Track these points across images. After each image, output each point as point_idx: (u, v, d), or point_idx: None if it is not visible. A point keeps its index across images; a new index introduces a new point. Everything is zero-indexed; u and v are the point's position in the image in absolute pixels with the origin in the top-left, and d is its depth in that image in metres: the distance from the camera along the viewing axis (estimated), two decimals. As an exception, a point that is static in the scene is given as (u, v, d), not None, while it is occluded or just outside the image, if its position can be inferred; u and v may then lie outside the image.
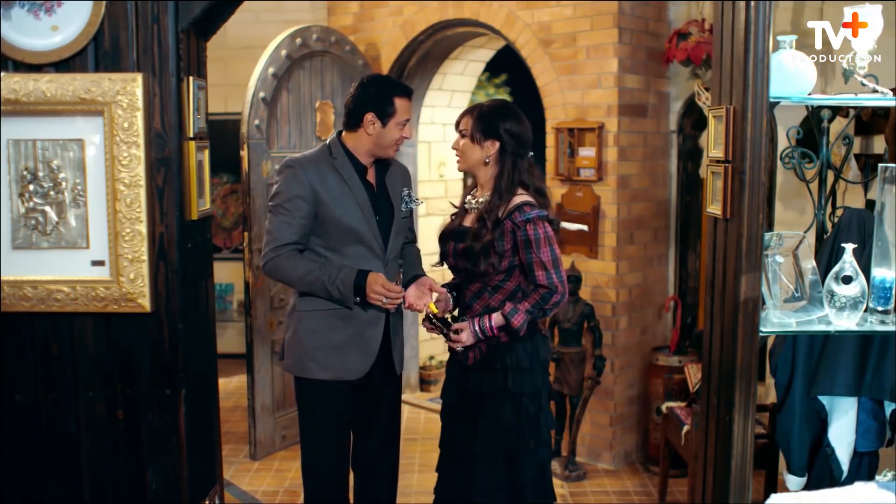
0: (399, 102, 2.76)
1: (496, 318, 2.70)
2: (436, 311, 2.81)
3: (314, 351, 2.77)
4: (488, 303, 2.76)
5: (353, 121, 2.78)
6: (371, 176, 2.86)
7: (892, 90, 2.40)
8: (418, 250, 3.10)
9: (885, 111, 3.16)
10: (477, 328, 2.71)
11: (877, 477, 2.13)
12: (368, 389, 2.88)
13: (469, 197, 2.87)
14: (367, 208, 2.77)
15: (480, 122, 2.74)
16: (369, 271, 2.72)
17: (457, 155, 2.83)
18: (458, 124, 2.83)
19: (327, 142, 2.84)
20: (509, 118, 2.74)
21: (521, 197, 2.72)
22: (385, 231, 2.83)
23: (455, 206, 2.97)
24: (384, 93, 2.75)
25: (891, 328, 2.27)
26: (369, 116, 2.74)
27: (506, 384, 2.71)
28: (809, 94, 2.36)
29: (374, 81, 2.80)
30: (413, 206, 2.96)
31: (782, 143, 3.46)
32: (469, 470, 2.78)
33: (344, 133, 2.83)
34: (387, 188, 2.88)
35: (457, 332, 2.74)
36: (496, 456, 2.72)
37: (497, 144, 2.74)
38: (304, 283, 2.72)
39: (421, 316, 2.92)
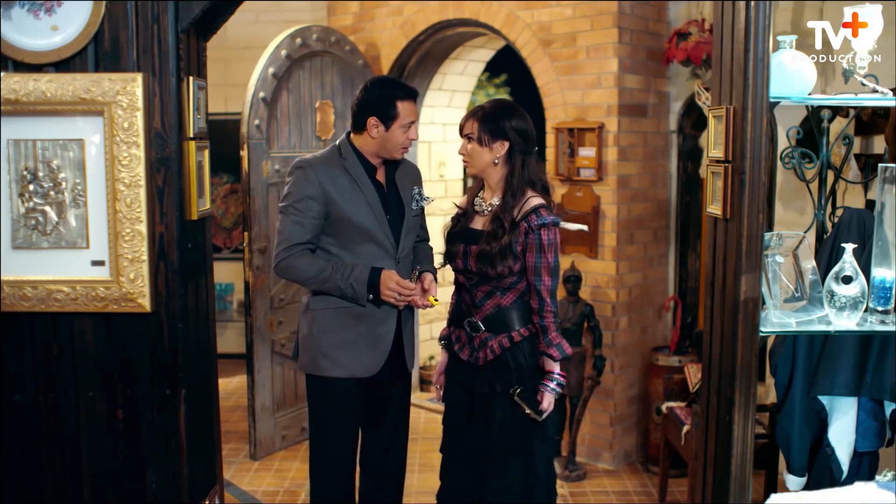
0: (402, 105, 2.75)
1: (555, 367, 2.73)
2: (436, 304, 2.81)
3: (328, 349, 2.78)
4: (500, 302, 2.75)
5: (357, 124, 2.80)
6: (381, 175, 2.87)
7: (892, 90, 2.40)
8: (430, 248, 3.10)
9: (885, 111, 3.16)
10: (552, 386, 2.72)
11: (877, 477, 2.13)
12: (378, 387, 2.89)
13: (478, 199, 2.86)
14: (377, 207, 2.78)
15: (487, 124, 2.72)
16: (382, 268, 2.73)
17: (465, 160, 2.81)
18: (461, 129, 2.80)
19: (337, 142, 2.85)
20: (514, 116, 2.74)
21: (536, 199, 2.72)
22: (396, 229, 2.84)
23: (459, 208, 2.96)
24: (386, 96, 2.75)
25: (891, 328, 2.27)
26: (372, 120, 2.75)
27: (520, 382, 2.72)
28: (809, 94, 2.35)
29: (377, 84, 2.80)
30: (423, 204, 2.98)
31: (782, 143, 3.46)
32: (480, 472, 2.78)
33: (352, 134, 2.84)
34: (397, 187, 2.89)
35: (541, 412, 2.72)
36: (511, 455, 2.73)
37: (506, 145, 2.73)
38: (317, 282, 2.74)
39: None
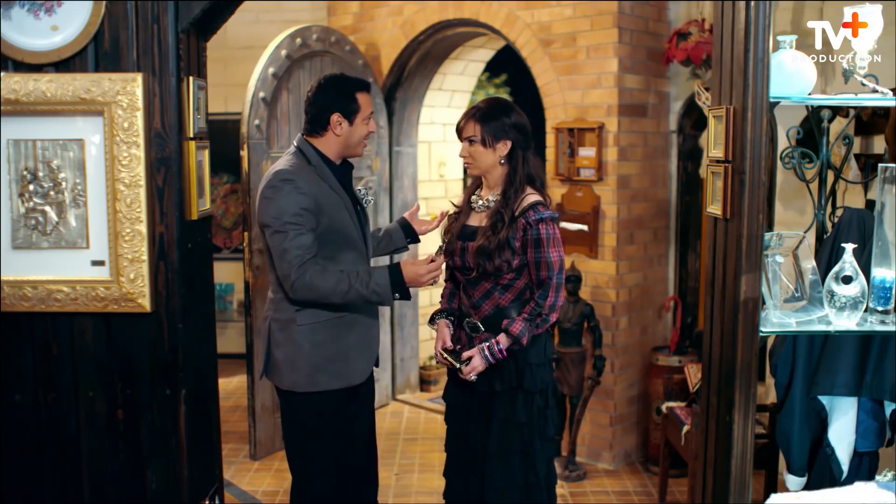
0: (361, 97, 2.73)
1: (502, 338, 2.70)
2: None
3: (324, 362, 2.70)
4: (498, 302, 2.75)
5: (318, 125, 2.72)
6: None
7: (892, 90, 2.40)
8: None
9: (885, 111, 3.16)
10: (487, 353, 2.70)
11: (877, 477, 2.13)
12: (351, 390, 2.84)
13: (474, 196, 2.87)
14: (352, 212, 2.76)
15: (488, 125, 2.73)
16: (397, 265, 2.68)
17: (467, 162, 2.80)
18: (461, 131, 2.79)
19: (295, 149, 2.75)
20: (512, 113, 2.76)
21: (534, 196, 2.74)
22: (364, 231, 2.83)
23: (456, 207, 2.96)
24: (345, 90, 2.71)
25: (891, 328, 2.27)
26: (335, 117, 2.69)
27: (520, 381, 2.73)
28: (809, 94, 2.35)
29: (331, 82, 2.74)
30: (370, 202, 2.99)
31: (782, 143, 3.46)
32: (481, 471, 2.78)
33: (310, 137, 2.76)
34: (351, 187, 2.86)
35: (467, 361, 2.73)
36: (511, 455, 2.74)
37: (509, 144, 2.74)
38: (337, 295, 2.60)
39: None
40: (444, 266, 2.88)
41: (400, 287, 2.65)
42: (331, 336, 2.72)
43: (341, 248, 2.72)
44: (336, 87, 2.72)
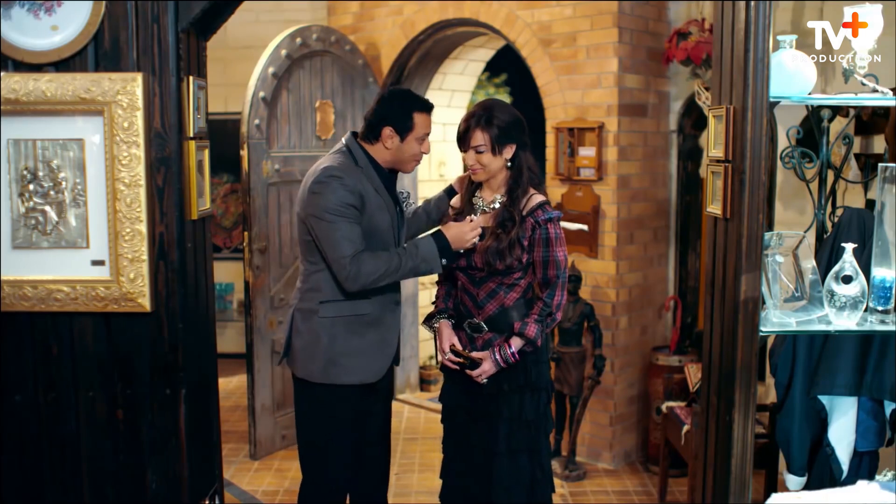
0: (418, 118, 2.75)
1: (514, 341, 2.71)
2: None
3: (340, 357, 2.75)
4: (503, 302, 2.76)
5: (371, 133, 2.77)
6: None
7: (892, 90, 2.40)
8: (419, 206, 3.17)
9: (885, 111, 3.16)
10: (498, 357, 2.71)
11: (877, 477, 2.13)
12: (367, 386, 2.87)
13: (476, 198, 2.87)
14: (394, 215, 2.81)
15: (494, 131, 2.72)
16: (439, 231, 2.75)
17: (475, 169, 2.78)
18: (466, 141, 2.76)
19: (344, 149, 2.79)
20: (512, 115, 2.77)
21: (539, 196, 2.77)
22: (399, 233, 2.87)
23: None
24: (404, 107, 2.75)
25: (891, 328, 2.27)
26: (387, 131, 2.73)
27: (528, 379, 2.74)
28: (809, 94, 2.36)
29: (394, 95, 2.80)
30: (412, 205, 3.04)
31: (782, 143, 3.46)
32: (485, 471, 2.78)
33: (362, 142, 2.81)
34: (395, 190, 2.89)
35: (479, 362, 2.73)
36: (519, 453, 2.75)
37: (514, 146, 2.76)
38: (388, 276, 2.69)
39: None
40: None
41: (446, 251, 2.73)
42: (349, 332, 2.76)
43: (377, 247, 2.75)
44: (397, 102, 2.77)
